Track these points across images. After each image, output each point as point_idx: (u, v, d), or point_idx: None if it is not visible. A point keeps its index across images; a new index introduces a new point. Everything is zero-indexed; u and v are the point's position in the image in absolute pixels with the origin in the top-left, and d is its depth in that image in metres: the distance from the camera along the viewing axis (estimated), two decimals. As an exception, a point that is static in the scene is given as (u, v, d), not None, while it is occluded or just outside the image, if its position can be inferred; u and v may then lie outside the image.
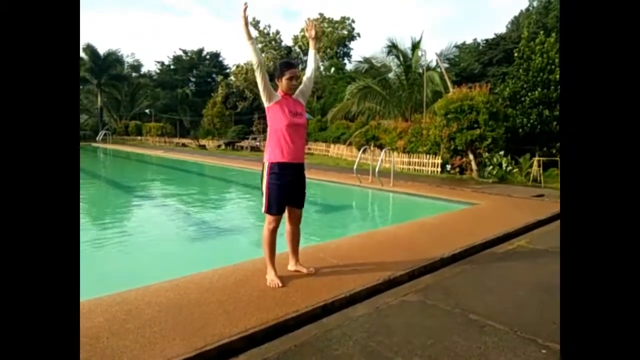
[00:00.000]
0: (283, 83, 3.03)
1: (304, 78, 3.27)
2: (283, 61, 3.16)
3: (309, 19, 3.32)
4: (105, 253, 4.96)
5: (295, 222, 3.25)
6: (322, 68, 43.43)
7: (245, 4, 2.87)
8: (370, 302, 2.84)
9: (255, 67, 2.91)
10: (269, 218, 3.04)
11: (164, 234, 5.93)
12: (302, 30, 42.45)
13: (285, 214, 3.20)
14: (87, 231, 5.71)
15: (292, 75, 3.02)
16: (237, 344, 2.23)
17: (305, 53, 43.96)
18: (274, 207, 3.01)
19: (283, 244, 3.30)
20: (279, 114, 2.97)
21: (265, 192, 3.03)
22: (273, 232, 3.05)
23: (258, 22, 43.51)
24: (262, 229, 3.10)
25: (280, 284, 2.96)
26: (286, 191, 3.02)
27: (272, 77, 3.08)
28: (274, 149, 3.00)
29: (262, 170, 3.08)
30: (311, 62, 3.30)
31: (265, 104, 3.01)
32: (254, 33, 43.12)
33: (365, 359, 2.11)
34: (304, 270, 3.26)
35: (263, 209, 3.06)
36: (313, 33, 3.23)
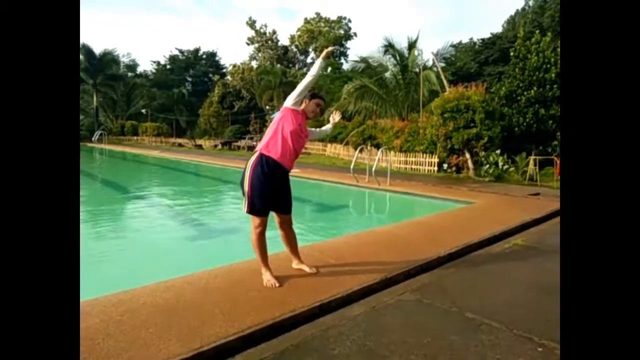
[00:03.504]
0: (309, 104, 3.15)
1: (320, 129, 3.72)
2: (316, 92, 3.32)
3: (334, 114, 3.70)
4: (100, 252, 4.93)
5: (287, 227, 3.20)
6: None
7: (335, 47, 3.10)
8: (366, 302, 2.84)
9: (313, 78, 3.02)
10: (254, 221, 2.96)
11: (157, 234, 5.91)
12: (299, 29, 42.53)
13: (277, 220, 3.16)
14: (84, 230, 5.68)
15: (319, 105, 3.21)
16: (234, 344, 2.22)
17: (302, 53, 44.05)
18: (257, 206, 2.91)
19: (280, 244, 3.30)
20: (291, 119, 3.00)
21: (247, 188, 2.91)
22: (261, 235, 2.99)
23: (254, 21, 43.39)
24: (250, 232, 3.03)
25: (276, 284, 2.95)
26: (270, 191, 2.93)
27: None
28: (271, 143, 2.97)
29: (246, 167, 2.99)
30: (328, 128, 3.78)
31: (288, 104, 3.03)
32: (251, 33, 43.17)
33: (362, 358, 2.11)
34: (307, 269, 3.25)
35: (245, 209, 2.95)
36: (337, 118, 3.67)
